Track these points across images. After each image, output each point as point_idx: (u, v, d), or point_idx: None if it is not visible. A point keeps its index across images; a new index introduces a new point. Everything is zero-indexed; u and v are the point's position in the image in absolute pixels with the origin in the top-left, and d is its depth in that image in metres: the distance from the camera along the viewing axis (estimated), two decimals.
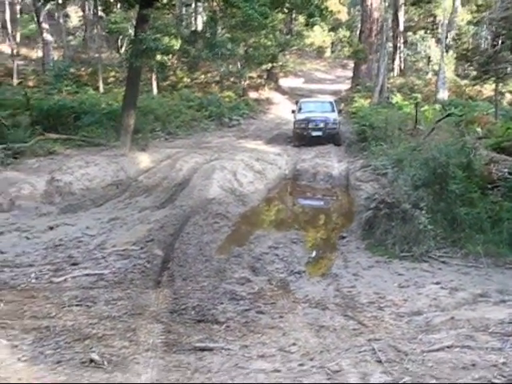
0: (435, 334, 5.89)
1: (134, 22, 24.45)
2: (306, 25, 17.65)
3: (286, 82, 35.84)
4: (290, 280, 8.02)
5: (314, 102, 23.72)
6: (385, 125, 16.93)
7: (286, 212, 13.46)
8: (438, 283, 7.86)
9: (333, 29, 27.66)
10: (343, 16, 31.87)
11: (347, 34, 30.80)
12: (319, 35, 27.08)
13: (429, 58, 33.45)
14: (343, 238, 10.48)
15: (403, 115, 19.68)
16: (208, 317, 6.36)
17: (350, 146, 19.53)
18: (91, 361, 5.12)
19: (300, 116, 21.15)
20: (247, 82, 30.04)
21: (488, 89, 28.62)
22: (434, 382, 4.59)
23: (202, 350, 5.50)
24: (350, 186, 14.80)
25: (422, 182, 9.79)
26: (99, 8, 27.24)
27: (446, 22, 27.74)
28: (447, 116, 16.51)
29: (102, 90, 27.33)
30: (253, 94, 29.90)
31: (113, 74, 31.13)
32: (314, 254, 9.84)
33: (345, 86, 35.82)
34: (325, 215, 13.08)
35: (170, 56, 21.68)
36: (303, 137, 20.60)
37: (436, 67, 31.59)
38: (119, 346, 5.50)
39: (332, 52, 37.65)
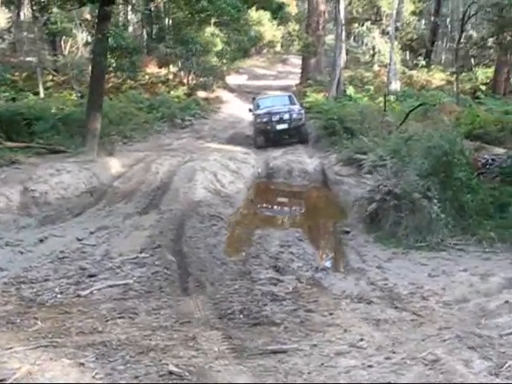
0: (497, 318, 6.09)
1: (78, 22, 24.14)
2: (274, 18, 17.71)
3: (230, 80, 35.85)
4: (319, 277, 8.06)
5: (272, 97, 23.27)
6: (359, 117, 17.20)
7: (274, 210, 13.57)
8: (465, 270, 8.11)
9: (281, 22, 27.81)
10: (292, 9, 32.11)
11: (296, 27, 31.07)
12: (269, 29, 27.24)
13: (373, 49, 34.19)
14: (347, 232, 10.61)
15: (370, 107, 20.10)
16: (262, 319, 6.32)
17: (318, 141, 19.70)
18: (170, 373, 5.00)
19: (261, 110, 20.39)
20: (194, 81, 29.83)
21: (437, 78, 29.61)
22: None
23: (275, 352, 5.45)
24: (329, 181, 15.01)
25: (428, 172, 10.01)
26: (34, 8, 26.38)
27: (395, 12, 28.46)
28: (419, 106, 16.95)
29: (42, 94, 26.48)
30: (201, 93, 29.74)
31: (50, 77, 30.21)
32: (324, 250, 9.98)
33: (290, 82, 36.12)
34: (314, 211, 13.21)
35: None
36: (267, 132, 19.73)
37: (382, 58, 32.40)
38: (187, 355, 5.38)
39: (281, 46, 37.95)
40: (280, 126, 19.62)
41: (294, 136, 20.04)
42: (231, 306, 6.77)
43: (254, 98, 23.02)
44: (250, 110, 21.50)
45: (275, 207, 13.93)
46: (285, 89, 32.17)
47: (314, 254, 9.36)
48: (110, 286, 7.51)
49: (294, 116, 19.72)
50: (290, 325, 6.20)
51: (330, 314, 6.55)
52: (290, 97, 22.24)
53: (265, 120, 19.84)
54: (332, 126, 18.40)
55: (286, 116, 19.68)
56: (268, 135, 19.91)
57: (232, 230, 11.11)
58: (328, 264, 9.12)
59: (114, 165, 15.72)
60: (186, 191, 12.99)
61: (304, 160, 17.30)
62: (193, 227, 10.63)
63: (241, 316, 6.47)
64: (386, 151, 11.87)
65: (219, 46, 24.36)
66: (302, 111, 20.16)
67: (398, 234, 9.63)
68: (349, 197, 12.88)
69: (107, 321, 6.27)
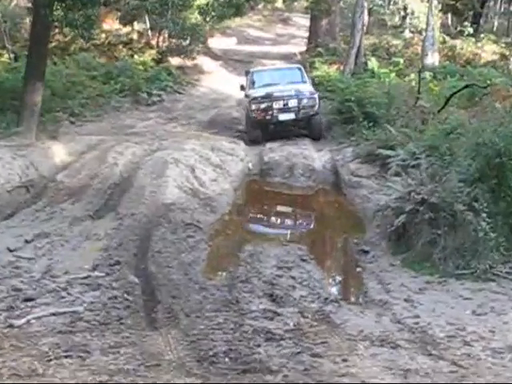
0: None
1: None
2: None
3: (214, 43, 35.95)
4: (329, 311, 8.13)
5: (273, 70, 22.52)
6: (385, 100, 17.30)
7: (269, 220, 13.65)
8: None
9: None
10: None
11: None
12: None
13: (405, 9, 34.32)
14: (366, 252, 10.70)
15: (399, 87, 20.19)
16: (254, 364, 6.38)
17: (329, 129, 19.76)
18: None
19: (258, 92, 19.30)
20: (166, 43, 29.92)
21: (488, 51, 29.72)
22: None
23: None
24: (343, 183, 15.07)
25: (475, 176, 10.09)
26: None
27: None
28: (465, 88, 17.08)
29: None
30: (175, 60, 29.78)
31: None
32: (335, 275, 10.09)
33: (293, 48, 36.37)
34: (322, 222, 13.30)
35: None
36: (265, 123, 18.93)
37: (416, 22, 32.57)
38: None
39: (283, 2, 38.06)
40: (284, 116, 18.85)
41: (302, 129, 19.45)
42: (213, 345, 6.83)
43: (247, 72, 21.61)
44: (242, 88, 20.69)
45: (271, 215, 13.99)
46: (286, 57, 32.43)
47: (322, 280, 9.41)
48: (53, 314, 7.57)
49: (305, 102, 18.87)
50: (290, 373, 6.26)
51: (344, 361, 6.60)
52: (300, 70, 21.03)
53: (262, 106, 18.83)
54: (348, 111, 18.40)
55: (293, 102, 18.78)
56: (267, 127, 19.21)
57: (214, 245, 11.16)
58: (340, 294, 9.17)
59: (59, 152, 15.82)
60: (153, 190, 13.05)
61: (310, 154, 17.38)
62: (162, 239, 10.71)
63: (226, 359, 6.53)
64: (419, 147, 11.97)
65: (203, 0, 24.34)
66: (316, 95, 19.23)
67: (434, 257, 9.67)
68: (369, 205, 12.99)
69: (49, 360, 6.30)
